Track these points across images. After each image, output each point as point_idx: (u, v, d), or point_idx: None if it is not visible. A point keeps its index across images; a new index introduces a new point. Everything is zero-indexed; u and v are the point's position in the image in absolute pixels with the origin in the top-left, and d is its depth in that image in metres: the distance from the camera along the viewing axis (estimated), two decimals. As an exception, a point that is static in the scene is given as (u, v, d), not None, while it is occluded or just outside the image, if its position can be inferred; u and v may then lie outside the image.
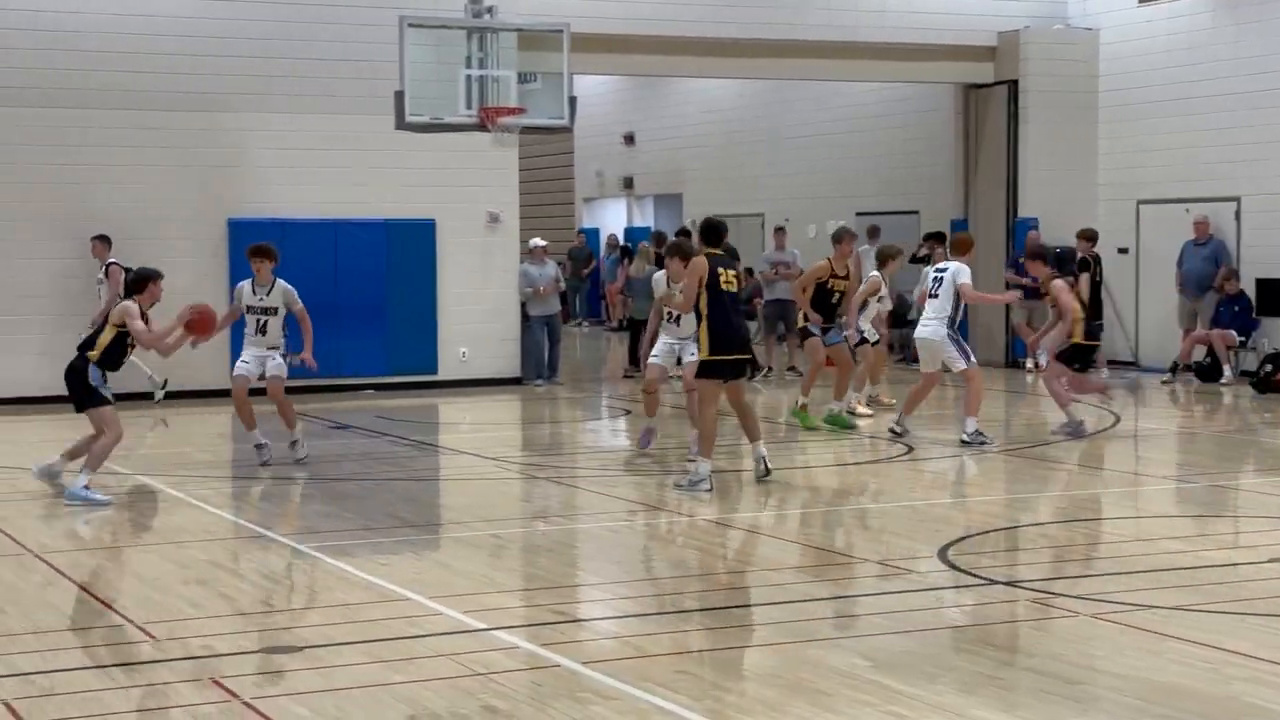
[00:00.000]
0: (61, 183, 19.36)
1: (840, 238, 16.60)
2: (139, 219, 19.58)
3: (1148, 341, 23.04)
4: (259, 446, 13.92)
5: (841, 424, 16.20)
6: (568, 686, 7.15)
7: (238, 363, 14.13)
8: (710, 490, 12.50)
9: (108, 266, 18.69)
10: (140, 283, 12.54)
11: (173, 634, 8.15)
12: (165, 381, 19.06)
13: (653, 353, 14.64)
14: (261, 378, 13.94)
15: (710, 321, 12.57)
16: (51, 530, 11.43)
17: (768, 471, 12.92)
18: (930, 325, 15.43)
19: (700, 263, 12.64)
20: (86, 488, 12.13)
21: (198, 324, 12.62)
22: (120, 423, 12.47)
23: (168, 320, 12.73)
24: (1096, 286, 20.73)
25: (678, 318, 14.25)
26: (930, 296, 15.50)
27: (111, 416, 12.37)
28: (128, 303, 12.41)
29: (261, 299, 13.82)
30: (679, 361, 14.54)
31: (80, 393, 12.28)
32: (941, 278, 15.48)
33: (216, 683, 7.22)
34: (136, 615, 8.53)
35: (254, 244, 14.26)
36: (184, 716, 6.74)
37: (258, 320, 13.87)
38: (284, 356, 14.09)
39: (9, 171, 19.17)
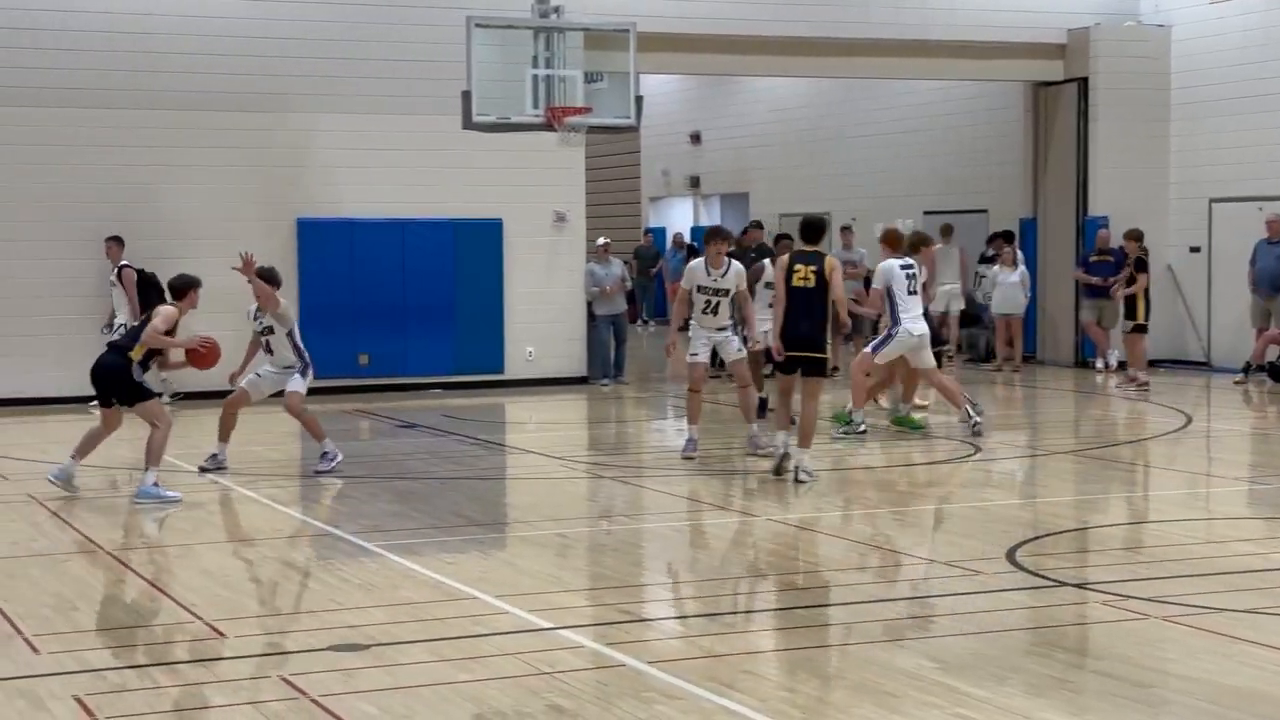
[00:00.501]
0: (128, 184, 19.54)
1: (924, 241, 16.60)
2: (207, 219, 19.74)
3: (1220, 341, 22.78)
4: (213, 455, 13.81)
5: (912, 425, 16.06)
6: (633, 686, 7.15)
7: (251, 374, 13.94)
8: (786, 456, 12.88)
9: (120, 269, 18.69)
10: (183, 290, 12.66)
11: (242, 631, 8.21)
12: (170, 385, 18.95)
13: (691, 350, 14.48)
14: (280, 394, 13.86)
15: (782, 317, 12.92)
16: (122, 527, 11.54)
17: (797, 480, 12.84)
18: (923, 321, 15.45)
19: (782, 260, 13.13)
20: (156, 484, 12.25)
21: (199, 356, 12.65)
22: (168, 414, 12.60)
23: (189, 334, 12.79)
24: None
25: (715, 306, 14.21)
26: (914, 294, 15.39)
27: (160, 409, 12.50)
28: (168, 307, 12.51)
29: (261, 321, 13.69)
30: (714, 360, 14.59)
31: (126, 388, 12.37)
32: (916, 275, 15.39)
33: (285, 680, 7.27)
34: (206, 612, 8.60)
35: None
36: (253, 713, 6.79)
37: (263, 341, 13.81)
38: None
39: (76, 172, 19.37)
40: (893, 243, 15.72)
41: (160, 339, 12.34)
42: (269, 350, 13.77)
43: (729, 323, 14.38)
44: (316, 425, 13.73)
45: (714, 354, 15.70)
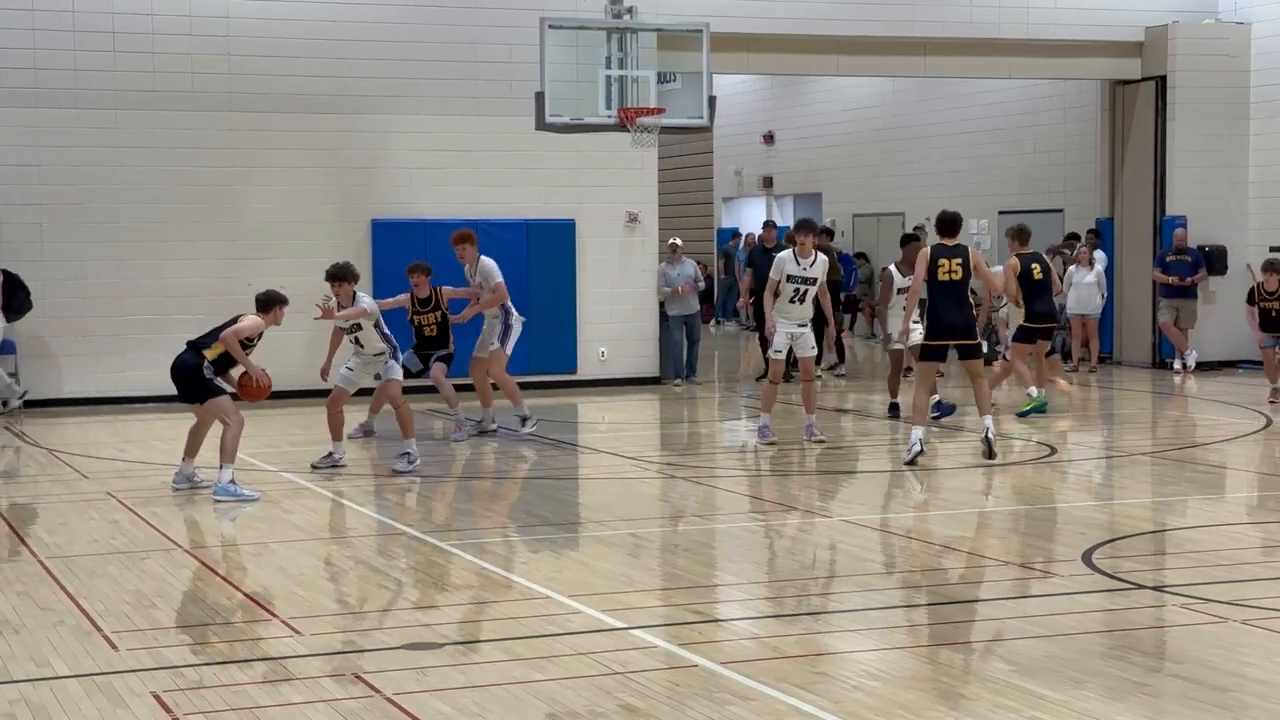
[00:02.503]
0: (207, 185, 19.75)
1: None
2: (283, 220, 19.93)
3: (1300, 342, 22.45)
4: (329, 455, 13.96)
5: (1038, 406, 17.01)
6: (705, 686, 7.14)
7: (341, 369, 14.14)
8: (922, 452, 13.49)
9: None
10: (269, 305, 12.76)
11: (317, 629, 8.27)
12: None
13: (775, 348, 15.18)
14: (378, 377, 14.06)
15: (929, 309, 13.78)
16: (199, 526, 11.66)
17: (990, 453, 13.73)
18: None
19: (924, 251, 13.88)
20: (233, 482, 12.36)
21: (249, 388, 12.74)
22: (239, 411, 12.73)
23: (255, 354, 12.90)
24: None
25: (803, 295, 14.97)
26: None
27: (230, 406, 12.63)
28: (254, 317, 12.60)
29: (345, 321, 13.81)
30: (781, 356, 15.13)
31: (196, 386, 12.55)
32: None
33: (360, 678, 7.31)
34: (282, 610, 8.67)
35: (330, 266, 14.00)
36: (328, 711, 6.83)
37: (353, 337, 13.97)
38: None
39: (157, 175, 19.58)
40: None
41: (235, 345, 12.43)
42: (359, 344, 13.90)
43: (810, 317, 15.12)
44: (410, 421, 13.82)
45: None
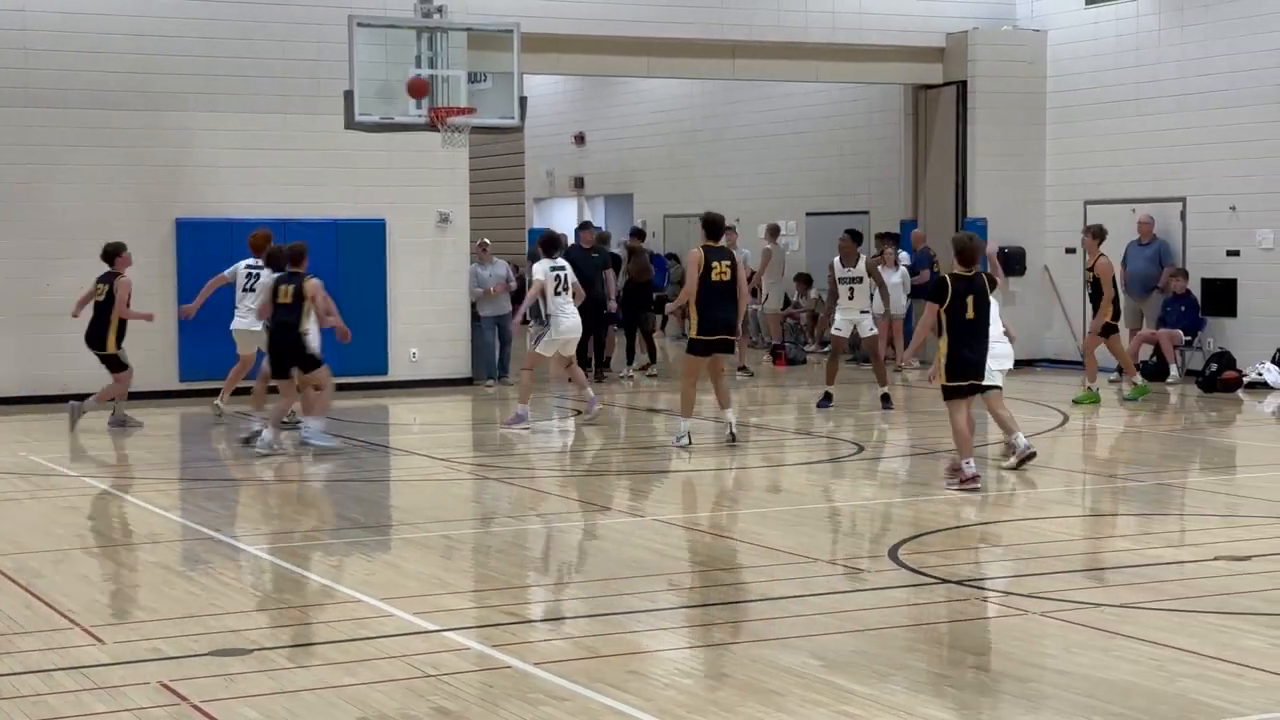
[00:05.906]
0: (6, 182, 19.20)
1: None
2: (85, 219, 19.40)
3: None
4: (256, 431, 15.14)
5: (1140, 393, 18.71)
6: (519, 687, 7.14)
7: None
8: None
9: None
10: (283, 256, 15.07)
11: (120, 637, 8.09)
12: None
13: (550, 337, 16.80)
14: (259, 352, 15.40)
15: (698, 307, 14.42)
16: (-3, 533, 11.33)
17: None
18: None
19: (696, 254, 14.53)
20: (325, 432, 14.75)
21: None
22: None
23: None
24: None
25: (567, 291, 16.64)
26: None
27: (327, 370, 15.00)
28: (317, 280, 14.78)
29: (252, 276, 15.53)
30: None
31: (304, 356, 14.77)
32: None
33: (166, 686, 7.18)
34: (84, 619, 8.47)
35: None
36: (132, 720, 6.70)
37: (250, 285, 15.88)
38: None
39: (-47, 171, 19.02)
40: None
41: (323, 300, 15.01)
42: (252, 290, 15.87)
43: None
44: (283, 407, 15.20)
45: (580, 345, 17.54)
